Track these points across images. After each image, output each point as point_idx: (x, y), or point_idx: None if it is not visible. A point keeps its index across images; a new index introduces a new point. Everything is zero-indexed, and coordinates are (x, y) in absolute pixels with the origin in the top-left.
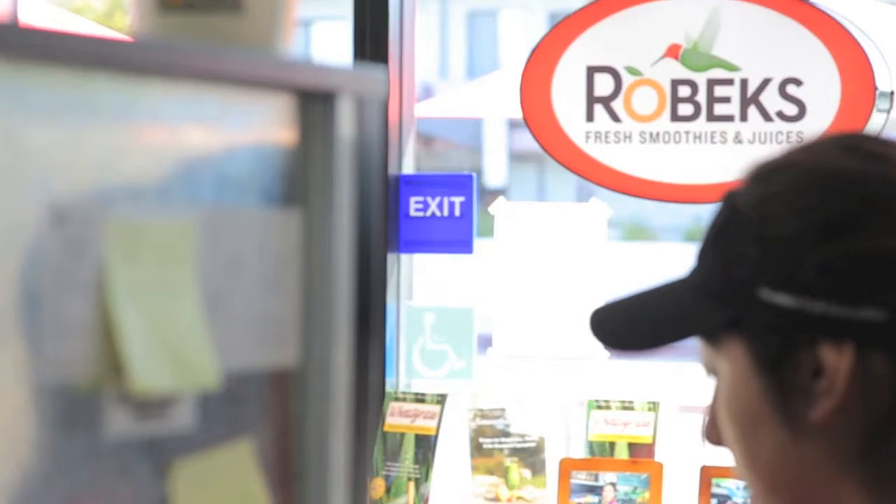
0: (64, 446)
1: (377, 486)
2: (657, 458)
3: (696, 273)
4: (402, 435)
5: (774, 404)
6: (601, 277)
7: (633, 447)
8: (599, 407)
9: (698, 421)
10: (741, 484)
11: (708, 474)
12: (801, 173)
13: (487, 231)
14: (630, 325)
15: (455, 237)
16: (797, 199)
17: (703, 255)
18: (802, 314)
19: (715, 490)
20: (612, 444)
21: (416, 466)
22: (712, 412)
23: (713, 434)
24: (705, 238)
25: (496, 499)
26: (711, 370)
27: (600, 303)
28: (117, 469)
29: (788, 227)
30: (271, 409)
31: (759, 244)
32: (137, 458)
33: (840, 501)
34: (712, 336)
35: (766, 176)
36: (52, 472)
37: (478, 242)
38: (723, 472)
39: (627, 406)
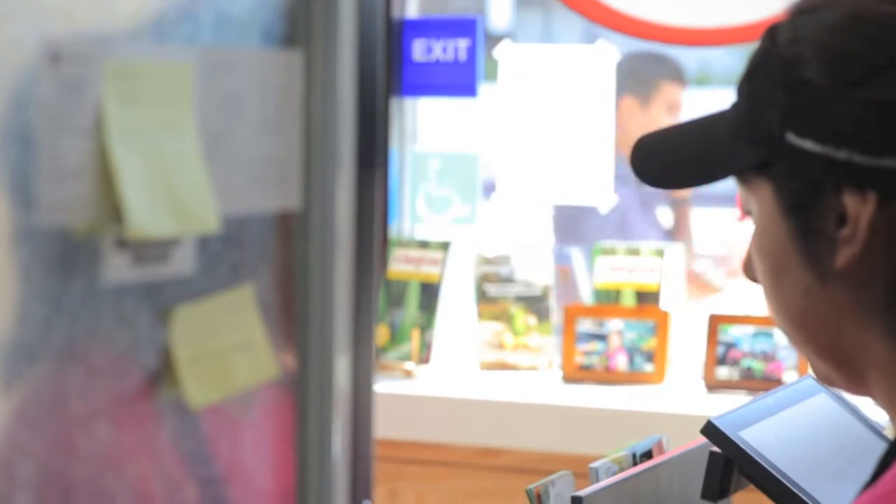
0: (61, 292)
1: (381, 333)
2: (663, 305)
3: (732, 110)
4: (407, 282)
5: (799, 249)
6: (608, 122)
7: (639, 295)
8: (605, 253)
9: (706, 267)
10: (748, 332)
11: (715, 322)
12: (836, 16)
13: (492, 77)
14: (666, 162)
15: (460, 81)
16: (829, 45)
17: (740, 93)
18: (827, 161)
19: (722, 338)
20: (618, 293)
21: (421, 313)
22: (749, 250)
23: (749, 271)
24: (743, 73)
25: (501, 346)
26: (746, 210)
27: (643, 134)
28: (116, 315)
29: (818, 72)
30: (273, 253)
31: (788, 88)
32: (137, 304)
33: (865, 349)
34: (744, 177)
35: (803, 14)
36: (49, 319)
37: (483, 88)
38: (730, 320)
39: (633, 252)
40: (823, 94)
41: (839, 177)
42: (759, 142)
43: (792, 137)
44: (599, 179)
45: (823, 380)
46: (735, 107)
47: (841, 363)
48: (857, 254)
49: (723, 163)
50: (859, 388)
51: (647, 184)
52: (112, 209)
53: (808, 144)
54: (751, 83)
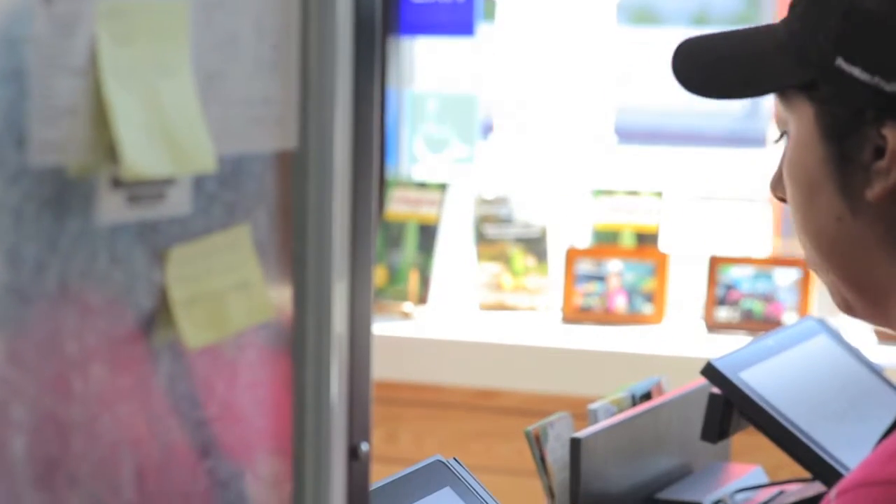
0: (55, 232)
1: (379, 274)
2: (663, 246)
3: (784, 25)
4: (405, 223)
5: (833, 175)
6: (608, 62)
7: (638, 236)
8: (604, 194)
9: (707, 209)
10: (748, 273)
11: (715, 263)
12: None
13: (490, 16)
14: (710, 70)
15: (457, 20)
16: None
17: (793, 11)
18: (874, 91)
19: (722, 279)
20: (616, 233)
21: (419, 254)
22: (780, 168)
23: (779, 189)
24: None
25: (500, 287)
26: (783, 128)
27: (690, 35)
28: (111, 256)
29: (879, 2)
30: (270, 193)
31: (846, 14)
32: (132, 244)
33: (892, 282)
34: (787, 94)
35: None
36: (42, 260)
37: (481, 28)
38: (730, 261)
39: (633, 193)
40: (881, 25)
41: (883, 108)
42: (808, 62)
43: (841, 63)
44: (599, 119)
45: (842, 307)
46: (787, 24)
47: (865, 292)
48: (889, 188)
49: (768, 77)
50: (880, 319)
51: (686, 89)
52: (107, 149)
53: (857, 72)
54: (807, 3)
